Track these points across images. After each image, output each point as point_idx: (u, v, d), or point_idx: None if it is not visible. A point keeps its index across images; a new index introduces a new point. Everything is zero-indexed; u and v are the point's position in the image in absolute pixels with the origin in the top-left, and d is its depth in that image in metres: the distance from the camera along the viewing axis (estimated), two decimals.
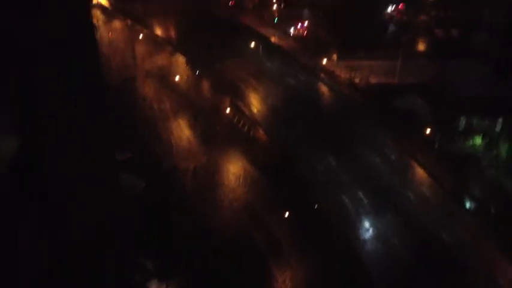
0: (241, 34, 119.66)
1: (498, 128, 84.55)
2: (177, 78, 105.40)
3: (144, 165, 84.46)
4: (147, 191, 78.25)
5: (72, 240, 29.01)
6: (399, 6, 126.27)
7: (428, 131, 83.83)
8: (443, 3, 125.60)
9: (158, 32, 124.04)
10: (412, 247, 64.50)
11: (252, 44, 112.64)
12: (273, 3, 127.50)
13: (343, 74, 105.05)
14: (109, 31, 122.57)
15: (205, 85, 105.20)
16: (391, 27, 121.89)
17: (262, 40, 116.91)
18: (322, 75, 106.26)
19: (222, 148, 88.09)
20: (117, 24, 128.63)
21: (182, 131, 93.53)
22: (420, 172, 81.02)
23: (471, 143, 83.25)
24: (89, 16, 59.75)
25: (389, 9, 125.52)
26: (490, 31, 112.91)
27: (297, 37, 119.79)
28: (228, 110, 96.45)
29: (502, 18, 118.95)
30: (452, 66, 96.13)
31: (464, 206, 74.01)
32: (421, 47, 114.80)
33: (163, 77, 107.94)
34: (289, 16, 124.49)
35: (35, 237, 28.52)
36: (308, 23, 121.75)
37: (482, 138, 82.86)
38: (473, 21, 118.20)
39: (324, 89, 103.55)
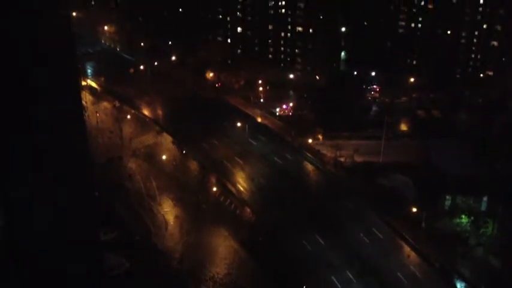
0: (227, 114, 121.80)
1: (483, 207, 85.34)
2: (164, 157, 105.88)
3: (128, 245, 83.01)
4: (131, 272, 76.49)
5: None
6: (375, 88, 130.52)
7: (414, 209, 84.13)
8: (423, 85, 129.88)
9: (146, 112, 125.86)
10: None
11: (239, 124, 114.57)
12: (259, 85, 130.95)
13: (328, 152, 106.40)
14: (97, 111, 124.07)
15: (192, 164, 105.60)
16: (374, 108, 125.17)
17: (249, 120, 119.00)
18: (308, 154, 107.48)
19: (209, 227, 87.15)
20: (105, 104, 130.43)
21: (168, 209, 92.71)
22: (408, 251, 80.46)
23: (457, 221, 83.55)
24: (78, 98, 60.69)
25: (370, 90, 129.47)
26: (470, 112, 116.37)
27: (283, 117, 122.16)
28: (214, 189, 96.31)
29: (481, 99, 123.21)
30: (435, 146, 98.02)
31: (455, 285, 73.07)
32: (403, 127, 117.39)
33: (150, 156, 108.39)
34: (275, 97, 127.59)
35: None
36: (293, 103, 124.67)
37: (468, 217, 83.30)
38: (453, 102, 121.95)
39: (310, 167, 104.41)
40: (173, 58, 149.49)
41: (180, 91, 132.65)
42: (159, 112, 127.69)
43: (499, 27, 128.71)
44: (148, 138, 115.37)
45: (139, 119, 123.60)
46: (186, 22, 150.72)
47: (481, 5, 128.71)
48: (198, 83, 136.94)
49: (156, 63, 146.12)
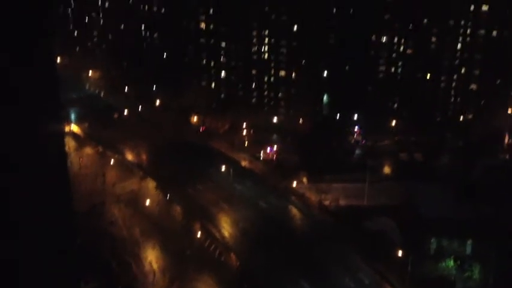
0: (212, 159, 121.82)
1: (468, 250, 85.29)
2: (147, 202, 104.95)
3: None
4: None
5: None
6: (358, 131, 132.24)
7: (400, 253, 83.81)
8: (405, 128, 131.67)
9: (130, 157, 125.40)
10: None
11: (223, 168, 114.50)
12: (243, 129, 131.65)
13: (313, 196, 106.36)
14: (80, 157, 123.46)
15: (177, 209, 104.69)
16: (358, 151, 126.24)
17: (233, 164, 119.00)
18: (292, 198, 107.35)
19: (193, 275, 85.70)
20: (89, 150, 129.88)
21: (152, 256, 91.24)
22: None
23: (443, 265, 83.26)
24: (62, 144, 60.38)
25: (353, 133, 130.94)
26: (452, 155, 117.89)
27: (267, 161, 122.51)
28: (199, 234, 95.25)
29: (462, 143, 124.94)
30: (418, 189, 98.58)
31: None
32: (387, 169, 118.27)
33: (134, 201, 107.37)
34: (259, 140, 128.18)
35: None
36: (277, 147, 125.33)
37: (454, 261, 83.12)
38: (435, 145, 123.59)
39: (294, 211, 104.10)
40: (157, 103, 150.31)
41: (164, 136, 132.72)
42: (143, 157, 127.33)
43: (477, 72, 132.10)
44: (132, 184, 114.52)
45: (123, 164, 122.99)
46: (171, 67, 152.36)
47: (459, 50, 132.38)
48: (183, 127, 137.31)
49: (140, 108, 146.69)
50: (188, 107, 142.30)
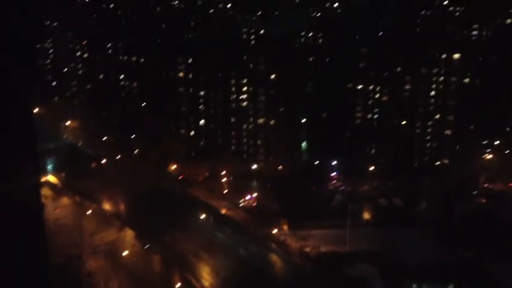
0: (191, 207, 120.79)
1: None
2: (125, 253, 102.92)
3: None
4: None
5: None
6: (337, 177, 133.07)
7: None
8: (382, 174, 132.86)
9: (107, 207, 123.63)
10: None
11: (203, 216, 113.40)
12: (222, 176, 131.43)
13: (293, 243, 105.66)
14: (57, 208, 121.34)
15: (155, 259, 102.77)
16: (337, 197, 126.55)
17: (213, 212, 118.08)
18: (273, 245, 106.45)
19: None
20: (65, 200, 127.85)
21: None
22: None
23: None
24: (38, 195, 59.58)
25: (332, 179, 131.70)
26: (430, 199, 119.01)
27: (247, 208, 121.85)
28: (178, 285, 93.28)
29: (439, 187, 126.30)
30: (398, 234, 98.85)
31: None
32: (366, 215, 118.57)
33: (112, 252, 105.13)
34: (239, 188, 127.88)
35: None
36: (257, 194, 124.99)
37: None
38: (412, 190, 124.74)
39: (275, 258, 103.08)
40: (136, 151, 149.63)
41: (143, 185, 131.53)
42: (121, 207, 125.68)
43: (451, 117, 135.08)
44: (110, 234, 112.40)
45: (101, 214, 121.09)
46: (150, 115, 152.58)
47: (433, 97, 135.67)
48: (161, 176, 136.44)
49: (118, 157, 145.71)
50: (167, 155, 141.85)
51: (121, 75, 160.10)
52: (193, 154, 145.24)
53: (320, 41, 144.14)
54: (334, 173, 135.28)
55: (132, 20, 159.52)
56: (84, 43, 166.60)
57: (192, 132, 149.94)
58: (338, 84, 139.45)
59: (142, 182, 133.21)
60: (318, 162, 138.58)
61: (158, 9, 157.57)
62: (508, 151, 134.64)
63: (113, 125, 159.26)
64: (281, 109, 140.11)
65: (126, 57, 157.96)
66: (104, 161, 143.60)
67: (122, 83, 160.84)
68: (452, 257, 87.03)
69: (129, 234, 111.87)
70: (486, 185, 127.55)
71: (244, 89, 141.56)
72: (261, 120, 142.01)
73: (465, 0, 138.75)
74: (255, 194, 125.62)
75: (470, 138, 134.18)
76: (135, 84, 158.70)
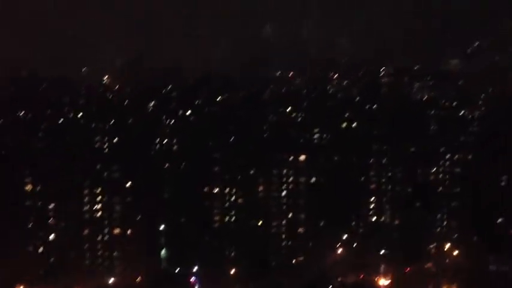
0: None
1: None
2: None
3: None
4: None
5: None
6: (193, 281, 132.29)
7: None
8: (244, 276, 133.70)
9: None
10: None
11: None
12: None
13: None
14: None
15: None
16: None
17: None
18: None
19: None
20: None
21: None
22: None
23: None
24: None
25: None
26: None
27: None
28: None
29: (297, 286, 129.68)
30: None
31: None
32: None
33: None
34: None
35: None
36: None
37: None
38: None
39: None
40: None
41: None
42: None
43: (302, 216, 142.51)
44: None
45: None
46: None
47: (284, 197, 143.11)
48: None
49: None
50: (13, 276, 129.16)
51: None
52: (43, 273, 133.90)
53: (175, 148, 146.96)
54: (193, 278, 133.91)
55: None
56: None
57: (41, 249, 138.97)
58: (194, 189, 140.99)
59: None
60: (178, 269, 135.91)
61: None
62: (355, 244, 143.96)
63: None
64: (138, 217, 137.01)
65: None
66: None
67: None
68: None
69: None
70: (339, 279, 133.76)
71: (98, 198, 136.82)
72: (116, 231, 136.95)
73: (306, 107, 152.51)
74: None
75: (321, 235, 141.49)
76: None
